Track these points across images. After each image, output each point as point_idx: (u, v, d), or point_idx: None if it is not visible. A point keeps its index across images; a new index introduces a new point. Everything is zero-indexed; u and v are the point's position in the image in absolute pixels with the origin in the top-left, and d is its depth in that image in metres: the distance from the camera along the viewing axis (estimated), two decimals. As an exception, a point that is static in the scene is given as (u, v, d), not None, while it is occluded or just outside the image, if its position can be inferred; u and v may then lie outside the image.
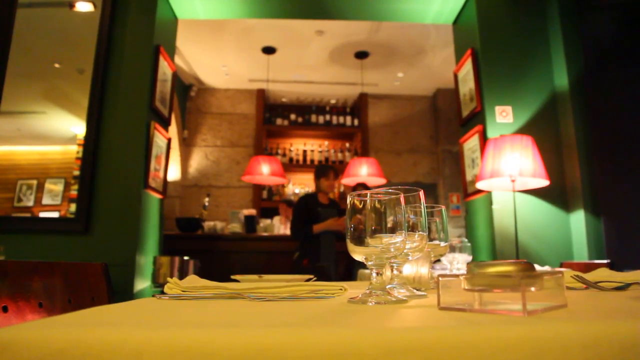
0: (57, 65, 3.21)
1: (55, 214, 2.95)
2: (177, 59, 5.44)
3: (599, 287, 0.88)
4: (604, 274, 1.06)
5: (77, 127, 3.04)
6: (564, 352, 0.41)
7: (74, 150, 3.01)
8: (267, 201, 6.59)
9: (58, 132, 3.10)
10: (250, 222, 4.61)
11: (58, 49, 3.23)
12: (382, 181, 5.17)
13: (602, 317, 0.51)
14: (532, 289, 0.55)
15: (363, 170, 5.09)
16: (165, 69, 3.39)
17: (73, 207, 2.89)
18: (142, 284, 3.00)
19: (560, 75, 3.17)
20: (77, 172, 2.94)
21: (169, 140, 3.47)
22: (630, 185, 2.88)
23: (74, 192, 2.91)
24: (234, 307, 0.69)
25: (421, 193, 0.83)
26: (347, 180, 5.22)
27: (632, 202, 2.87)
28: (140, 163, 3.03)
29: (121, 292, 2.79)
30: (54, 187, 2.98)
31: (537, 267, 2.49)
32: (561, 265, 2.40)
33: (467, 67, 3.41)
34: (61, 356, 0.41)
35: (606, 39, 3.12)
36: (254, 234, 4.55)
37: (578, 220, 2.96)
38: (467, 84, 3.42)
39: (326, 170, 3.98)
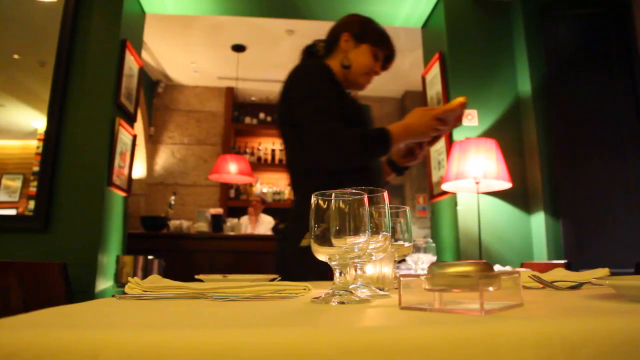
0: (16, 57, 3.10)
1: (12, 212, 2.84)
2: (144, 54, 5.33)
3: (554, 287, 0.91)
4: (559, 274, 1.10)
5: (37, 121, 2.94)
6: (518, 349, 0.42)
7: (33, 145, 2.91)
8: (235, 200, 6.54)
9: (17, 126, 2.99)
10: (217, 221, 4.56)
11: (18, 40, 3.11)
12: (351, 181, 5.19)
13: (556, 316, 0.53)
14: (490, 288, 0.57)
15: (331, 171, 5.11)
16: (131, 64, 3.32)
17: (32, 204, 2.79)
18: (104, 284, 2.93)
19: (524, 81, 3.26)
20: (36, 168, 2.85)
21: (135, 137, 3.40)
22: (588, 189, 2.99)
23: (33, 189, 2.82)
24: (196, 308, 0.68)
25: (385, 194, 0.83)
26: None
27: (589, 205, 2.97)
28: (103, 160, 2.95)
29: (82, 292, 2.71)
30: (12, 184, 2.87)
31: (498, 267, 2.55)
32: (522, 266, 2.47)
33: (435, 70, 3.47)
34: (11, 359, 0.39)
35: (567, 48, 3.23)
36: (220, 234, 4.50)
37: (538, 221, 3.05)
38: (435, 87, 3.47)
39: (381, 35, 1.88)
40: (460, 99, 1.62)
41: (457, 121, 1.66)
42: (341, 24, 1.89)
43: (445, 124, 1.63)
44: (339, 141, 1.51)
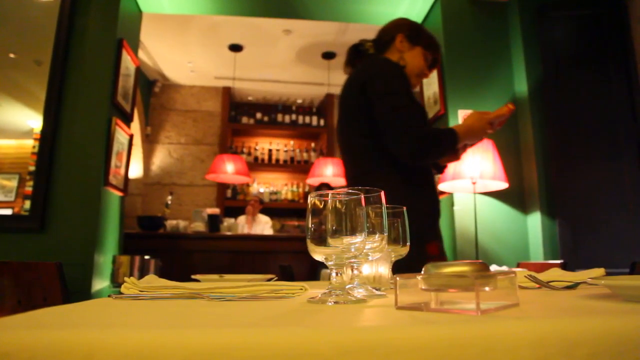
0: (12, 56, 3.09)
1: (8, 211, 2.83)
2: (141, 54, 5.32)
3: (550, 287, 0.92)
4: (555, 274, 1.10)
5: (33, 120, 2.93)
6: (513, 348, 0.42)
7: (29, 145, 2.90)
8: (232, 200, 6.53)
9: (13, 125, 2.98)
10: (213, 221, 4.55)
11: (14, 39, 3.10)
12: (347, 181, 5.20)
13: (551, 315, 0.53)
14: (486, 288, 0.57)
15: (328, 171, 5.12)
16: (128, 63, 3.31)
17: (28, 204, 2.78)
18: (101, 283, 2.92)
19: (520, 81, 3.27)
20: (32, 168, 2.83)
21: (131, 136, 3.39)
22: (584, 189, 3.00)
23: (28, 189, 2.80)
24: (192, 308, 0.68)
25: (382, 194, 0.83)
26: (312, 180, 5.23)
27: (585, 205, 2.98)
28: (100, 159, 2.94)
29: (78, 292, 2.70)
30: (8, 183, 2.86)
31: (495, 267, 2.56)
32: (518, 266, 2.48)
33: (432, 70, 3.47)
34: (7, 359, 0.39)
35: (563, 49, 3.24)
36: (217, 233, 4.49)
37: (535, 221, 3.06)
38: (432, 87, 3.48)
39: (432, 39, 1.89)
40: (510, 106, 1.69)
41: (499, 126, 1.74)
42: (395, 26, 1.90)
43: (492, 128, 1.74)
44: (419, 138, 1.57)
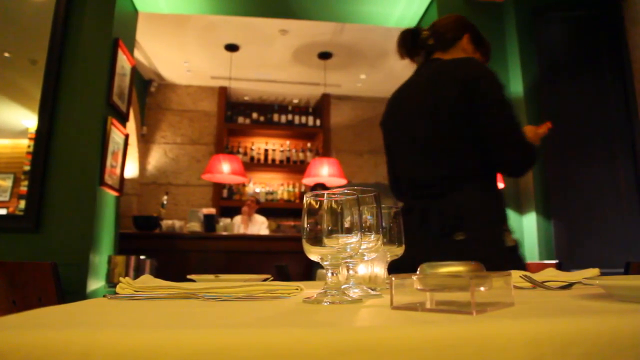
0: (7, 55, 3.07)
1: (3, 211, 2.82)
2: (136, 53, 5.31)
3: (545, 287, 0.92)
4: (550, 274, 1.10)
5: (28, 120, 2.92)
6: (508, 348, 0.42)
7: (24, 145, 2.88)
8: (227, 200, 6.52)
9: (7, 124, 2.97)
10: (209, 221, 4.55)
11: (8, 38, 3.08)
12: (343, 182, 5.20)
13: (546, 315, 0.53)
14: (481, 288, 0.57)
15: (324, 171, 5.11)
16: (124, 62, 3.30)
17: (22, 203, 2.77)
18: (96, 284, 2.91)
19: (516, 82, 3.28)
20: (27, 167, 2.82)
21: (127, 136, 3.38)
22: (579, 190, 3.01)
23: (23, 189, 2.79)
24: (187, 308, 0.67)
25: (377, 194, 0.84)
26: (308, 180, 5.23)
27: (580, 206, 3.00)
28: (95, 159, 2.93)
29: (73, 292, 2.69)
30: (2, 183, 2.85)
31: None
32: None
33: (428, 71, 3.48)
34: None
35: (559, 50, 3.26)
36: (213, 233, 4.49)
37: (530, 222, 3.07)
38: (428, 88, 3.48)
39: (490, 48, 1.89)
40: (548, 124, 1.83)
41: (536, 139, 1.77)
42: (462, 24, 1.79)
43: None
44: (531, 154, 1.54)
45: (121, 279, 0.87)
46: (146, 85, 6.57)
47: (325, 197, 0.73)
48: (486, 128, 1.50)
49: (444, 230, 1.46)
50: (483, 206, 1.53)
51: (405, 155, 1.69)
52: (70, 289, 2.64)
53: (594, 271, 1.09)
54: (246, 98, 7.16)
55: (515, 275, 0.98)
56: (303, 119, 6.95)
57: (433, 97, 1.58)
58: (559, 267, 2.17)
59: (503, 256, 1.45)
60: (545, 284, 0.93)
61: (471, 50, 1.76)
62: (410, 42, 1.82)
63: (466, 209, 1.48)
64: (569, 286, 0.92)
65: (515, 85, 3.28)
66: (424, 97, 1.62)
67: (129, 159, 4.11)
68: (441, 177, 1.55)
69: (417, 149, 1.62)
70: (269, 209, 6.40)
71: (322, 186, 4.66)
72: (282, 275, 2.77)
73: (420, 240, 1.46)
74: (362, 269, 0.99)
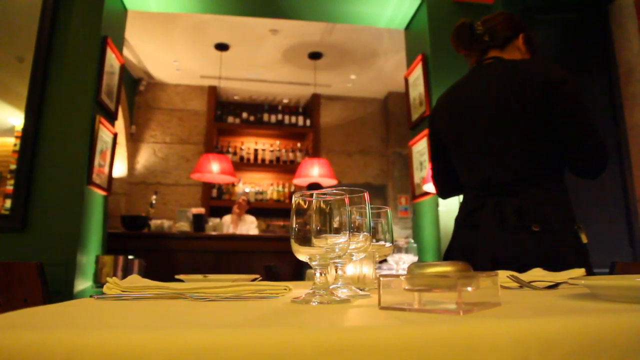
0: (-7, 53, 3.03)
1: (-12, 210, 2.78)
2: (125, 52, 5.26)
3: (532, 287, 0.93)
4: (537, 274, 1.11)
5: (14, 118, 2.88)
6: (495, 348, 0.43)
7: (10, 143, 2.85)
8: (217, 200, 6.49)
9: (-7, 123, 2.93)
10: (198, 221, 4.53)
11: (-5, 36, 3.04)
12: (333, 182, 5.21)
13: (532, 315, 0.54)
14: (469, 288, 0.57)
15: (314, 171, 5.12)
16: (112, 61, 3.28)
17: (8, 203, 2.74)
18: (83, 284, 2.88)
19: (504, 84, 3.30)
20: (13, 166, 2.79)
21: (115, 135, 3.36)
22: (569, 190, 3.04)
23: (10, 187, 2.76)
24: (175, 308, 0.67)
25: (366, 194, 0.84)
26: (299, 181, 5.23)
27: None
28: (83, 158, 2.91)
29: (60, 292, 2.66)
30: (-12, 182, 2.81)
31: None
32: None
33: (418, 72, 3.49)
34: (-17, 361, 0.39)
35: (547, 51, 3.28)
36: (202, 233, 4.47)
37: (518, 222, 3.09)
38: (417, 89, 3.50)
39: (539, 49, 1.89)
40: None
41: None
42: (517, 23, 1.78)
43: None
44: (604, 155, 1.58)
45: (108, 279, 0.87)
46: (135, 84, 6.52)
47: (314, 197, 0.73)
48: (567, 131, 1.51)
49: (521, 222, 1.46)
50: (559, 203, 1.57)
51: (477, 154, 1.65)
52: (57, 290, 2.61)
53: (580, 271, 1.11)
54: (236, 97, 7.14)
55: (502, 275, 0.98)
56: (293, 119, 6.95)
57: (515, 98, 1.56)
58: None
59: (579, 251, 1.46)
60: (532, 284, 0.94)
61: (525, 51, 1.76)
62: (467, 36, 1.82)
63: (543, 204, 1.50)
64: (555, 286, 0.93)
65: (504, 87, 3.30)
66: (503, 97, 1.59)
67: (117, 158, 4.08)
68: (521, 178, 1.55)
69: (494, 149, 1.59)
70: (259, 208, 6.38)
71: (317, 186, 4.66)
72: (271, 275, 2.77)
73: (497, 233, 1.48)
74: (351, 269, 0.99)
